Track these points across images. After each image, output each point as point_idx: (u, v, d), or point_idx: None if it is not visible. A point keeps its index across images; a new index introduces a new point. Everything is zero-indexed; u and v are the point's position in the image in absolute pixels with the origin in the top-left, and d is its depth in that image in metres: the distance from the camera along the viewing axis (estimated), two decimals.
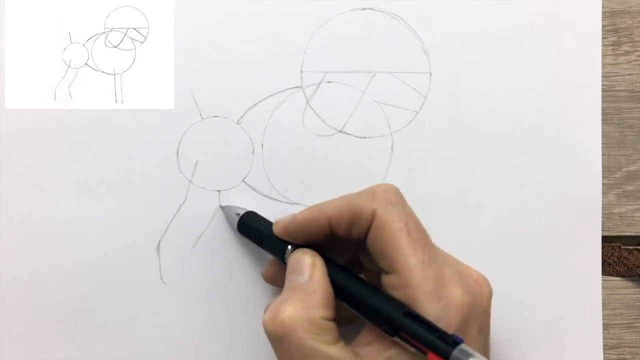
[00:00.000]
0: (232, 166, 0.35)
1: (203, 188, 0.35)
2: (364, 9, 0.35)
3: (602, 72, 0.35)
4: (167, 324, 0.34)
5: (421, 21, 0.35)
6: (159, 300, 0.34)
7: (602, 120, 0.35)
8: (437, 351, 0.23)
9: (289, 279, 0.28)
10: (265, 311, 0.28)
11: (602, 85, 0.35)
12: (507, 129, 0.35)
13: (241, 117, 0.35)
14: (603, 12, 0.35)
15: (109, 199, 0.34)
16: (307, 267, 0.28)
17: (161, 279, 0.34)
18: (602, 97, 0.35)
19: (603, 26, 0.35)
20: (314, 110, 0.35)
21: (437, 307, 0.25)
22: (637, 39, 0.35)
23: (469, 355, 0.22)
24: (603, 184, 0.35)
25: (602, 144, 0.35)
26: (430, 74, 0.35)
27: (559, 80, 0.35)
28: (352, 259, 0.31)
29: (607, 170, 0.35)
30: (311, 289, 0.27)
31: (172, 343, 0.34)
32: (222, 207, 0.34)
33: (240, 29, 0.35)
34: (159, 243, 0.34)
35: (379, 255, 0.27)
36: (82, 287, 0.34)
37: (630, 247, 0.35)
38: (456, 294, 0.25)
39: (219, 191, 0.35)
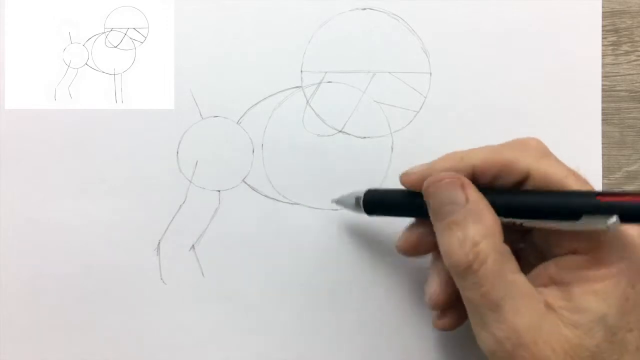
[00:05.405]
0: (232, 166, 0.35)
1: (203, 188, 0.35)
2: (364, 9, 0.35)
3: (602, 72, 0.35)
4: (167, 324, 0.34)
5: (421, 21, 0.35)
6: (159, 300, 0.34)
7: (602, 120, 0.35)
8: None
9: (443, 211, 0.25)
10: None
11: (602, 85, 0.35)
12: (507, 129, 0.35)
13: (241, 117, 0.35)
14: (603, 12, 0.35)
15: (109, 199, 0.34)
16: (458, 190, 0.25)
17: (161, 279, 0.34)
18: (602, 97, 0.35)
19: (603, 26, 0.35)
20: (314, 110, 0.35)
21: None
22: (637, 39, 0.35)
23: None
24: (603, 184, 0.35)
25: (602, 144, 0.35)
26: (430, 74, 0.35)
27: (559, 80, 0.35)
28: None
29: (607, 170, 0.35)
30: (477, 214, 0.25)
31: (172, 343, 0.34)
32: (337, 201, 0.33)
33: (240, 29, 0.35)
34: (159, 243, 0.34)
35: None
36: (82, 287, 0.34)
37: None
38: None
39: (219, 191, 0.35)
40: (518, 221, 0.26)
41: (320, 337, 0.34)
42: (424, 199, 0.27)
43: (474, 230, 0.24)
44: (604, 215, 0.23)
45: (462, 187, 0.25)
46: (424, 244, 0.29)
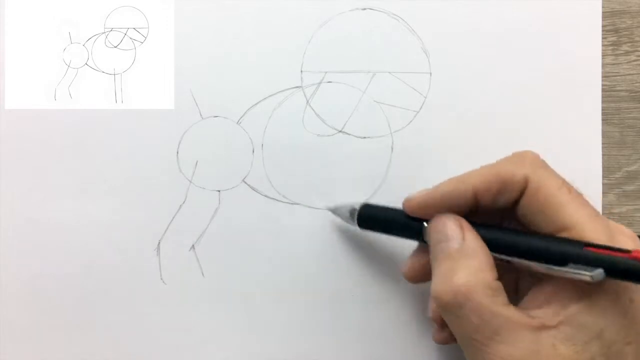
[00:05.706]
0: (232, 166, 0.35)
1: (203, 188, 0.35)
2: (364, 9, 0.35)
3: (602, 72, 0.35)
4: (167, 324, 0.34)
5: (421, 21, 0.35)
6: (159, 300, 0.34)
7: (602, 120, 0.35)
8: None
9: (438, 248, 0.27)
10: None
11: (602, 85, 0.35)
12: (507, 128, 0.35)
13: (241, 117, 0.35)
14: (603, 12, 0.35)
15: (109, 199, 0.34)
16: (456, 230, 0.27)
17: (161, 279, 0.34)
18: (602, 97, 0.35)
19: (603, 26, 0.35)
20: (314, 110, 0.35)
21: None
22: (637, 39, 0.35)
23: None
24: (603, 184, 0.35)
25: (602, 144, 0.35)
26: (430, 74, 0.35)
27: (559, 80, 0.35)
28: None
29: (607, 170, 0.35)
30: (470, 252, 0.26)
31: (172, 343, 0.34)
32: (332, 209, 0.34)
33: (240, 29, 0.35)
34: (159, 243, 0.34)
35: (539, 217, 0.26)
36: (82, 287, 0.34)
37: None
38: (627, 245, 0.25)
39: (219, 191, 0.35)
40: (506, 258, 0.26)
41: (320, 337, 0.34)
42: (429, 235, 0.28)
43: (463, 266, 0.26)
44: (590, 266, 0.23)
45: (461, 227, 0.27)
46: (429, 271, 0.30)
